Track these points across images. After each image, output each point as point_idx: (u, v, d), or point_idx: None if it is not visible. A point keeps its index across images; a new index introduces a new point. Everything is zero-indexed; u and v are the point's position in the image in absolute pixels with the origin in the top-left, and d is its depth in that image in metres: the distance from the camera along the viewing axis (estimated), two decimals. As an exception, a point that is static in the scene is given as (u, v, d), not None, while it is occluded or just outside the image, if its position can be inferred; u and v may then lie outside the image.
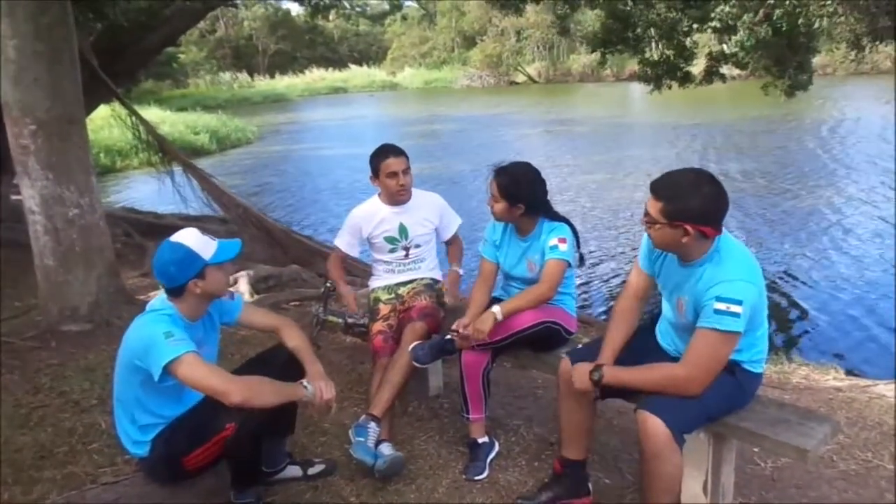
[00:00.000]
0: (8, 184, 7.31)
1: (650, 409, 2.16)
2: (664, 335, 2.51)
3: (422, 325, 3.16)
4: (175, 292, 2.37)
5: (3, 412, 3.42)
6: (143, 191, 13.42)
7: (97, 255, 4.46)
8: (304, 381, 2.47)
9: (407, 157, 3.38)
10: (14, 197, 7.86)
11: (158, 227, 7.96)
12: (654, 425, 2.12)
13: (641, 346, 2.45)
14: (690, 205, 2.14)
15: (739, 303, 2.12)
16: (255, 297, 5.47)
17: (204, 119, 22.66)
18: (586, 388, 2.35)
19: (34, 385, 3.73)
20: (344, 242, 3.55)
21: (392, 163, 3.32)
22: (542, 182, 2.97)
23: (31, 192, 4.22)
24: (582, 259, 3.03)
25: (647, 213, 2.24)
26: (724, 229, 2.24)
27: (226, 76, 44.45)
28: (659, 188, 2.21)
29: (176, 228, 7.73)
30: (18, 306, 5.10)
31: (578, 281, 3.26)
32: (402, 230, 3.43)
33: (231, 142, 21.20)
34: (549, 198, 3.00)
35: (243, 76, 45.37)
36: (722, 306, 2.12)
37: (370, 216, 3.45)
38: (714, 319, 2.14)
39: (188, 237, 2.38)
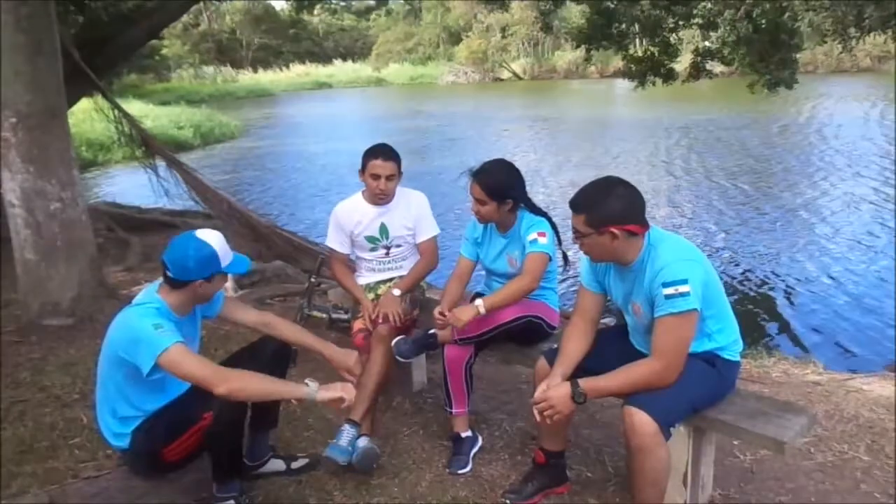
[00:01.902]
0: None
1: (637, 404, 2.18)
2: (635, 340, 2.54)
3: (386, 330, 3.10)
4: (178, 285, 2.37)
5: (-17, 407, 3.39)
6: (126, 185, 13.30)
7: (79, 249, 4.42)
8: (308, 381, 2.44)
9: (397, 162, 3.28)
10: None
11: (142, 221, 7.92)
12: (641, 420, 2.15)
13: (618, 352, 2.46)
14: (609, 208, 2.24)
15: (685, 281, 2.18)
16: (239, 292, 5.45)
17: (187, 113, 22.45)
18: (569, 410, 2.33)
19: (14, 380, 3.70)
20: (336, 242, 3.45)
21: (377, 165, 3.25)
22: (521, 175, 2.99)
23: (11, 185, 4.18)
24: (566, 259, 3.05)
25: (574, 230, 2.32)
26: (651, 224, 2.31)
27: (209, 70, 44.06)
28: (577, 202, 2.31)
29: (159, 223, 7.67)
30: (-2, 300, 5.05)
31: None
32: (383, 230, 3.39)
33: (215, 137, 21.00)
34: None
35: (227, 70, 44.99)
36: (670, 290, 2.18)
37: (351, 213, 3.39)
38: (667, 305, 2.19)
39: (214, 239, 2.39)
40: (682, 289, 2.17)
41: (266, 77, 45.43)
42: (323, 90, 43.14)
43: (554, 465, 2.69)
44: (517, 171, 2.98)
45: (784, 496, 2.70)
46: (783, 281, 7.68)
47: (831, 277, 7.61)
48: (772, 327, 6.58)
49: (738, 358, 2.43)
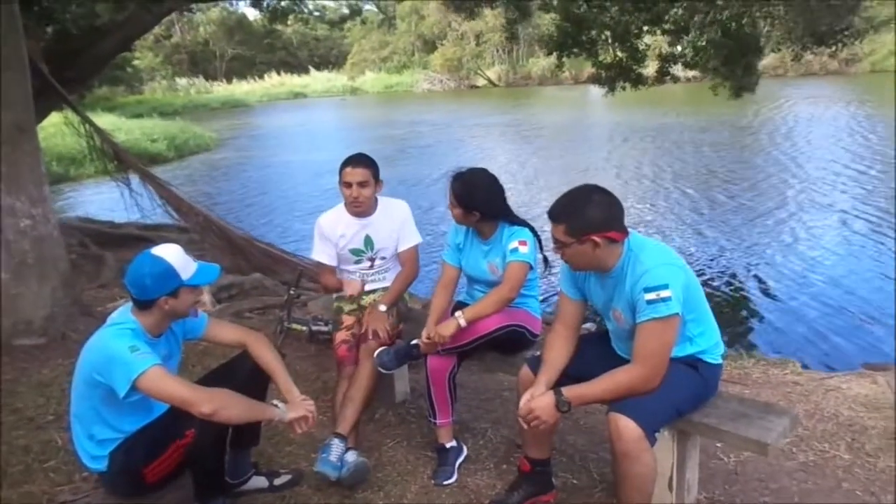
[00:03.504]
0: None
1: (621, 410, 2.17)
2: (617, 346, 2.54)
3: (375, 345, 3.09)
4: (143, 305, 2.33)
5: (-46, 431, 3.30)
6: (99, 199, 13.11)
7: (51, 266, 4.33)
8: (276, 402, 2.47)
9: (371, 169, 3.26)
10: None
11: (116, 236, 7.79)
12: (626, 426, 2.14)
13: (601, 357, 2.46)
14: (588, 216, 2.23)
15: (666, 286, 2.18)
16: (217, 306, 5.38)
17: (161, 126, 22.17)
18: (554, 419, 2.31)
19: (-15, 402, 3.61)
20: (323, 255, 3.40)
21: (348, 172, 3.24)
22: (499, 189, 2.98)
23: (-21, 203, 4.09)
24: (547, 261, 3.05)
25: (555, 240, 2.31)
26: (630, 230, 2.31)
27: (182, 82, 43.66)
28: (555, 212, 2.30)
29: (134, 238, 7.52)
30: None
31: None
32: (368, 242, 3.36)
33: (189, 149, 20.75)
34: (507, 203, 3.01)
35: (200, 82, 44.62)
36: (651, 296, 2.18)
37: (335, 226, 3.35)
38: (649, 310, 2.19)
39: (170, 253, 2.34)
40: (664, 294, 2.17)
41: (240, 88, 45.10)
42: (298, 100, 42.94)
43: (540, 473, 2.68)
44: (495, 185, 2.96)
45: (768, 496, 2.72)
46: (746, 282, 7.78)
47: (798, 278, 7.71)
48: (741, 328, 6.65)
49: (720, 361, 2.44)
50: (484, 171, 2.99)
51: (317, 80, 48.18)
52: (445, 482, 2.86)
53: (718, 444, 3.05)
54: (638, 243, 2.31)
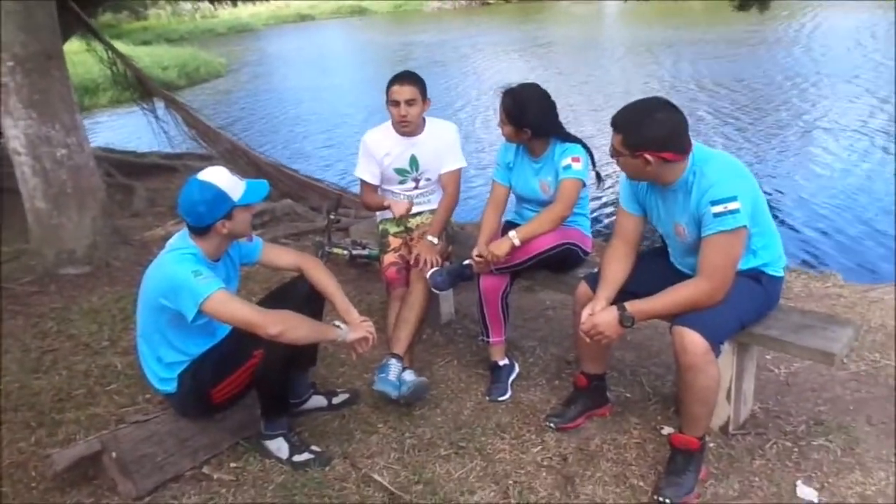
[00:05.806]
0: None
1: (686, 324, 2.17)
2: (676, 261, 2.51)
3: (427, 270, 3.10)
4: (200, 231, 2.32)
5: (13, 357, 3.40)
6: (114, 129, 13.02)
7: (89, 195, 4.33)
8: (337, 322, 2.49)
9: (418, 87, 3.18)
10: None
11: (141, 166, 7.73)
12: (692, 339, 2.14)
13: (660, 273, 2.44)
14: (646, 133, 2.17)
15: (734, 198, 2.14)
16: (253, 232, 5.39)
17: (170, 53, 21.77)
18: (618, 335, 2.31)
19: (40, 330, 3.69)
20: (367, 173, 3.37)
21: (395, 90, 3.18)
22: (551, 105, 2.89)
23: (14, 132, 4.05)
24: (599, 177, 2.99)
25: (611, 146, 2.27)
26: (695, 141, 2.25)
27: (186, 6, 42.48)
28: (617, 121, 2.24)
29: (159, 167, 7.45)
30: (8, 251, 4.98)
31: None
32: (413, 162, 3.31)
33: (200, 76, 20.39)
34: (559, 119, 2.93)
35: (205, 5, 43.39)
36: (719, 208, 2.14)
37: (380, 143, 3.31)
38: (716, 223, 2.16)
39: (218, 177, 2.31)
40: (732, 206, 2.13)
41: (246, 11, 43.80)
42: (306, 22, 41.85)
43: (596, 388, 2.72)
44: (546, 100, 2.87)
45: (823, 405, 2.75)
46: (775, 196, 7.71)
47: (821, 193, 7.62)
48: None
49: (782, 273, 2.42)
50: (535, 86, 2.89)
51: (323, 1, 46.73)
52: (500, 398, 2.92)
53: (768, 356, 3.08)
54: (703, 156, 2.25)
